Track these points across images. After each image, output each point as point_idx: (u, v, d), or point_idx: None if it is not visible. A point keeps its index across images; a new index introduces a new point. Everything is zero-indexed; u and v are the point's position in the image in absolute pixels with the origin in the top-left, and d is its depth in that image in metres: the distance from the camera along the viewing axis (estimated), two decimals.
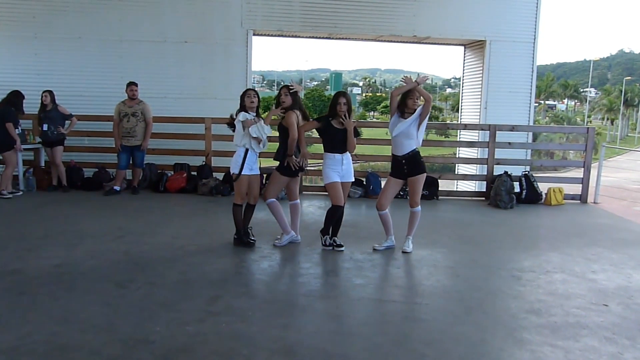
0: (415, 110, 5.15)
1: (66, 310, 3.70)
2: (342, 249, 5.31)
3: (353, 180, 5.46)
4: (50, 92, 8.22)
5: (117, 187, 8.19)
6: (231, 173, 5.36)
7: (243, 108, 5.27)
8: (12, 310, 3.69)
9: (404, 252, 5.34)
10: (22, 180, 8.35)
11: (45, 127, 8.16)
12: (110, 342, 3.21)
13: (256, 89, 5.60)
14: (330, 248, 5.33)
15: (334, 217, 5.29)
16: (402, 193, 8.25)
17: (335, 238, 5.36)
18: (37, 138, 8.76)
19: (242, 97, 5.32)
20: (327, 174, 5.25)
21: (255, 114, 5.32)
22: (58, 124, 8.18)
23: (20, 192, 8.04)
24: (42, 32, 9.60)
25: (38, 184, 8.42)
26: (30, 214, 6.81)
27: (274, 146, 5.54)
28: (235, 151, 5.33)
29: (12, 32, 9.56)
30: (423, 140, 5.34)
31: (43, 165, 8.81)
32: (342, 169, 5.25)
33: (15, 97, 7.84)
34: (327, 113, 5.31)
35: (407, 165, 5.23)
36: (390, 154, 5.41)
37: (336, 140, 5.24)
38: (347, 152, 5.30)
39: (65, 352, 3.08)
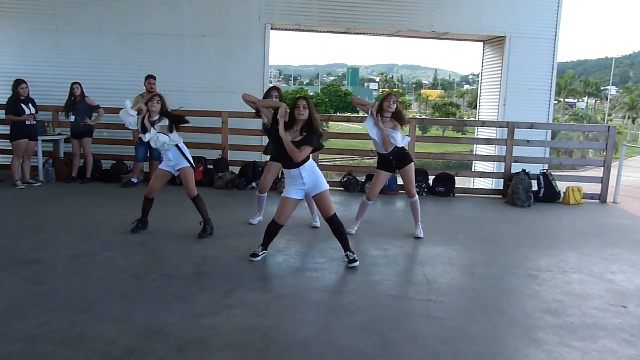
0: (391, 112, 5.37)
1: (83, 300, 3.75)
2: (356, 264, 4.68)
3: (327, 188, 4.66)
4: (80, 83, 8.32)
5: (134, 179, 8.27)
6: (192, 166, 5.54)
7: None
8: (30, 299, 3.75)
9: (416, 238, 5.66)
10: (42, 171, 8.47)
11: (72, 118, 8.27)
12: (126, 333, 3.25)
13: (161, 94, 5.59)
14: (258, 258, 4.74)
15: (268, 231, 4.75)
16: (418, 190, 8.22)
17: (349, 253, 4.74)
18: (57, 129, 8.89)
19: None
20: (285, 188, 4.70)
21: (156, 117, 5.35)
22: (85, 115, 8.28)
23: (39, 183, 8.16)
24: (63, 24, 9.70)
25: (57, 175, 8.53)
26: (49, 205, 6.91)
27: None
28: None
29: (33, 25, 9.67)
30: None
31: (62, 156, 8.92)
32: (304, 182, 4.57)
33: (14, 87, 7.82)
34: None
35: (395, 160, 5.55)
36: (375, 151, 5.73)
37: (283, 153, 4.54)
38: (307, 165, 4.56)
39: (81, 341, 3.12)
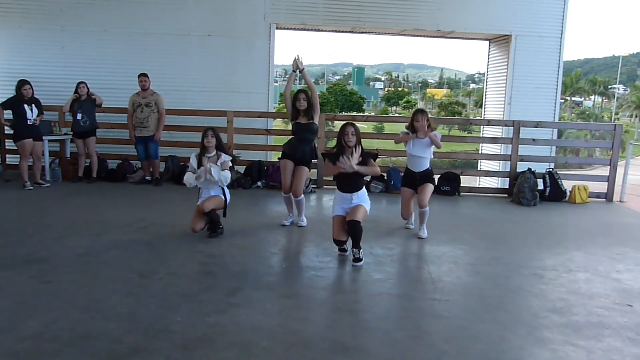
0: (420, 129, 5.75)
1: (90, 298, 3.77)
2: (359, 264, 4.68)
3: (367, 206, 4.87)
4: (86, 83, 8.39)
5: (148, 177, 8.48)
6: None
7: (202, 149, 5.47)
8: (38, 297, 3.78)
9: (419, 238, 5.70)
10: (48, 171, 8.51)
11: (79, 116, 8.30)
12: (132, 331, 3.26)
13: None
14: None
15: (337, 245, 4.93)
16: None
17: (355, 250, 4.74)
18: (63, 129, 8.93)
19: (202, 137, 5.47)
20: (333, 207, 4.96)
21: (214, 153, 5.45)
22: (91, 114, 8.35)
23: (48, 184, 8.18)
24: (69, 25, 9.75)
25: (63, 174, 8.58)
26: (56, 204, 6.95)
27: None
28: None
29: (39, 25, 9.72)
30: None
31: (68, 156, 8.97)
32: (352, 203, 4.80)
33: (17, 87, 7.83)
34: (336, 149, 4.88)
35: (419, 181, 5.85)
36: (405, 166, 5.98)
37: (346, 180, 4.80)
38: (360, 191, 4.84)
39: (88, 340, 3.14)
